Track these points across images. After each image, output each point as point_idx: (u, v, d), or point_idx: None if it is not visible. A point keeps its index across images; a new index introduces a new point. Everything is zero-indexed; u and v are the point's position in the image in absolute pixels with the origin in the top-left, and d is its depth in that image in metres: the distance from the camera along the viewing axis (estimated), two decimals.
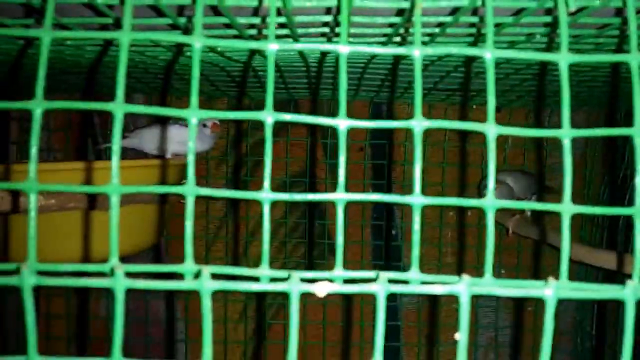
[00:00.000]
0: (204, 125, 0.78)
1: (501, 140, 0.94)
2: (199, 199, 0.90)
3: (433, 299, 0.96)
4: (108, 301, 0.94)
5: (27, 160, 0.86)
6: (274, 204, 0.95)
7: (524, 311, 0.96)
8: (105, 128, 0.90)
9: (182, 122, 0.76)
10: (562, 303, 0.96)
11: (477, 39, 0.41)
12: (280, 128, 0.94)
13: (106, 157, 0.88)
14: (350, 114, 0.94)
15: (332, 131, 0.94)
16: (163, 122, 0.77)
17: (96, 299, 0.94)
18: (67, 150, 0.92)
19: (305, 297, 0.94)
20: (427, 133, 0.94)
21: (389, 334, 0.96)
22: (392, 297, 0.96)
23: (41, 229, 0.54)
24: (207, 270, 0.21)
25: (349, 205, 0.95)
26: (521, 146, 0.95)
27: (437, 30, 0.36)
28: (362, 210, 0.96)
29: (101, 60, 0.55)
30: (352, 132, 0.94)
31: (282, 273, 0.22)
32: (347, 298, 0.95)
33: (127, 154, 0.84)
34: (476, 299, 0.97)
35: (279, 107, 0.92)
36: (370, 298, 0.95)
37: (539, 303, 0.95)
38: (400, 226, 0.96)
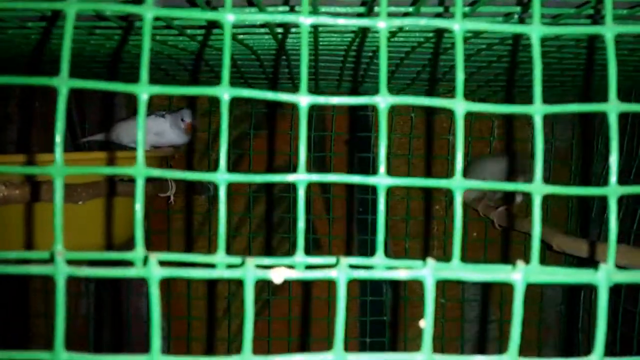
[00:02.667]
0: (182, 120, 0.76)
1: (486, 132, 0.94)
2: (180, 193, 0.88)
3: (421, 293, 0.96)
4: (88, 300, 0.92)
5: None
6: (258, 199, 0.93)
7: (510, 305, 0.96)
8: (84, 122, 0.88)
9: (158, 113, 0.74)
10: (547, 296, 0.96)
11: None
12: (263, 120, 0.93)
13: (86, 150, 0.86)
14: (332, 106, 0.93)
15: (317, 124, 0.93)
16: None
17: (76, 298, 0.92)
18: (47, 144, 0.90)
19: (291, 290, 0.93)
20: (412, 125, 0.93)
21: (375, 329, 0.95)
22: (378, 292, 0.95)
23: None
24: (155, 256, 0.19)
25: (334, 199, 0.94)
26: (506, 138, 0.94)
27: (410, 9, 0.35)
28: (347, 204, 0.95)
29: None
30: (337, 124, 0.93)
31: (237, 259, 0.21)
32: (330, 293, 0.93)
33: (110, 148, 0.82)
34: (462, 294, 0.96)
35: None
36: (353, 291, 0.94)
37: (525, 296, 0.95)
38: (386, 220, 0.95)
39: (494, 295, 0.96)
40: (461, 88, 0.22)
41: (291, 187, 0.93)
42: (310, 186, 0.85)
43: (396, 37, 0.47)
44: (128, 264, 0.21)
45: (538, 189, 0.22)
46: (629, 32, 0.23)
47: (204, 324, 0.93)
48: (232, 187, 0.92)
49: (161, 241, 0.92)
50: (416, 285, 0.95)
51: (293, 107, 0.91)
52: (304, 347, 0.94)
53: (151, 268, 0.19)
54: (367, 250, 0.94)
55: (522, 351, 0.20)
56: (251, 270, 0.20)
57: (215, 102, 0.91)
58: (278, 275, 0.20)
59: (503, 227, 0.80)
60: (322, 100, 0.22)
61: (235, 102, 0.91)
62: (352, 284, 0.95)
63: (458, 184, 0.22)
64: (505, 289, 0.95)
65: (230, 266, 0.21)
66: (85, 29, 0.43)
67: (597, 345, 0.21)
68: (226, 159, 0.22)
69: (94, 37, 0.46)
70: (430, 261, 0.21)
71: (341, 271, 0.20)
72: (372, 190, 0.95)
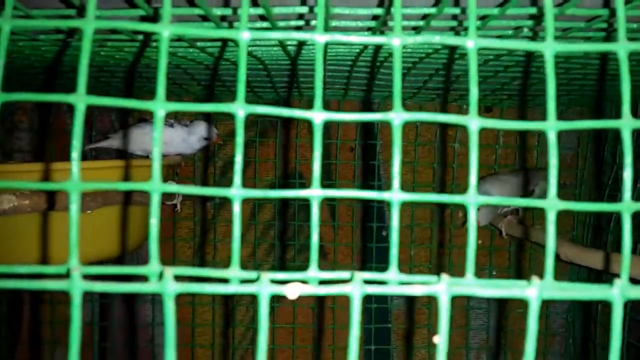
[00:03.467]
0: (206, 139, 0.78)
1: (492, 140, 0.94)
2: (187, 202, 0.88)
3: (425, 300, 0.95)
4: (93, 306, 0.92)
5: (7, 161, 0.84)
6: (263, 206, 0.93)
7: (515, 313, 0.95)
8: (91, 130, 0.89)
9: (166, 122, 0.74)
10: (553, 305, 0.95)
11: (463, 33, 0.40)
12: (269, 129, 0.93)
13: (91, 158, 0.86)
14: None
15: (323, 132, 0.93)
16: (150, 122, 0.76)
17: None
18: (61, 153, 0.90)
19: (295, 301, 0.93)
20: (417, 133, 0.93)
21: (379, 337, 0.95)
22: (383, 299, 0.95)
23: (7, 231, 0.53)
24: (170, 271, 0.20)
25: (339, 207, 0.94)
26: (512, 147, 0.94)
27: (421, 23, 0.35)
28: (352, 212, 0.95)
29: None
30: (342, 132, 0.93)
31: (252, 274, 0.21)
32: (335, 302, 0.93)
33: (114, 155, 0.82)
34: (467, 301, 0.96)
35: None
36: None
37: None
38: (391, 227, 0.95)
39: (500, 304, 0.96)
40: (475, 105, 0.22)
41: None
42: None
43: (406, 48, 0.47)
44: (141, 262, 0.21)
45: (552, 204, 0.22)
46: None
47: (208, 330, 0.93)
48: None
49: (167, 248, 0.92)
50: None
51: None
52: (308, 355, 0.94)
53: (167, 283, 0.19)
54: (372, 257, 0.93)
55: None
56: (266, 286, 0.20)
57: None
58: (293, 291, 0.20)
59: (510, 235, 0.79)
60: (336, 116, 0.22)
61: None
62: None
63: (473, 201, 0.22)
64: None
65: (244, 281, 0.21)
66: (97, 42, 0.44)
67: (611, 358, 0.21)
68: (241, 174, 0.22)
69: (105, 48, 0.46)
70: (445, 277, 0.21)
71: (356, 287, 0.20)
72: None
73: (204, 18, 0.32)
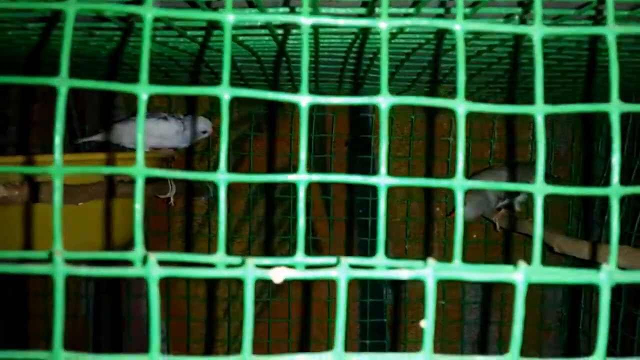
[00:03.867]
0: (204, 132, 0.78)
1: (487, 133, 0.94)
2: (180, 195, 0.88)
3: (420, 295, 0.95)
4: (88, 301, 0.92)
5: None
6: (257, 201, 0.93)
7: (511, 307, 0.95)
8: (84, 124, 0.88)
9: (159, 114, 0.74)
10: (547, 298, 0.95)
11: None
12: (263, 122, 0.93)
13: (86, 151, 0.86)
14: (333, 107, 0.93)
15: (317, 124, 0.93)
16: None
17: (76, 299, 0.92)
18: (46, 145, 0.90)
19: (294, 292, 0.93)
20: (410, 126, 0.93)
21: (375, 330, 0.95)
22: (378, 293, 0.95)
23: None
24: (154, 256, 0.19)
25: (334, 201, 0.94)
26: (507, 141, 0.94)
27: (411, 10, 0.34)
28: (347, 206, 0.95)
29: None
30: (337, 126, 0.93)
31: (237, 259, 0.21)
32: (330, 295, 0.93)
33: (110, 149, 0.82)
34: (462, 296, 0.96)
35: (259, 100, 0.91)
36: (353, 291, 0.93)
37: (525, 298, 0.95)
38: (387, 221, 0.95)
39: (495, 298, 0.96)
40: (462, 89, 0.22)
41: (291, 189, 0.93)
42: (310, 188, 0.84)
43: (397, 39, 0.47)
44: (128, 263, 0.21)
45: (540, 189, 0.22)
46: (630, 33, 0.23)
47: (203, 325, 0.93)
48: (232, 189, 0.92)
49: (161, 242, 0.91)
50: (416, 287, 0.95)
51: (293, 109, 0.91)
52: (303, 349, 0.94)
53: (150, 268, 0.19)
54: (367, 252, 0.93)
55: (522, 352, 0.20)
56: (251, 270, 0.20)
57: (216, 104, 0.91)
58: (278, 275, 0.20)
59: (504, 229, 0.79)
60: (322, 100, 0.22)
61: (235, 103, 0.91)
62: (352, 285, 0.95)
63: (460, 184, 0.22)
64: (505, 292, 0.94)
65: (230, 266, 0.21)
66: (85, 30, 0.43)
67: (599, 345, 0.21)
68: (226, 159, 0.22)
69: (94, 38, 0.46)
70: (431, 261, 0.21)
71: (342, 271, 0.20)
72: (373, 191, 0.95)
73: (192, 4, 0.32)
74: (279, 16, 0.23)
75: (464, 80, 0.22)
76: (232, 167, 0.92)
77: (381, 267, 0.22)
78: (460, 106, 0.22)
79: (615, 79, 0.22)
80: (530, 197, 0.83)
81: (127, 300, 0.92)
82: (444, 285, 0.95)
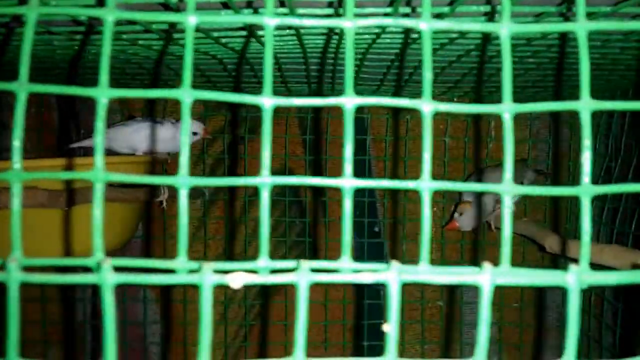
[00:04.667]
0: (194, 134, 0.78)
1: (484, 133, 0.93)
2: (175, 198, 0.88)
3: (419, 295, 0.95)
4: (84, 305, 0.92)
5: None
6: (251, 203, 0.93)
7: (510, 308, 0.95)
8: (78, 129, 0.88)
9: (155, 120, 0.74)
10: (547, 298, 0.95)
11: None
12: (258, 125, 0.93)
13: (81, 156, 0.86)
14: (328, 109, 0.91)
15: (313, 125, 0.93)
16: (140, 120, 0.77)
17: (72, 304, 0.92)
18: (40, 151, 0.90)
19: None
20: (406, 126, 0.93)
21: (372, 333, 0.95)
22: (375, 295, 0.95)
23: None
24: (109, 262, 0.19)
25: (331, 203, 0.93)
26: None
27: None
28: (341, 207, 0.94)
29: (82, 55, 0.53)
30: (334, 129, 0.92)
31: (195, 265, 0.21)
32: (327, 297, 0.93)
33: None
34: (461, 297, 0.95)
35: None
36: (344, 294, 0.93)
37: (523, 299, 0.94)
38: (383, 223, 0.95)
39: (494, 298, 0.95)
40: (429, 87, 0.22)
41: (287, 191, 0.93)
42: (305, 189, 0.84)
43: (379, 40, 0.46)
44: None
45: (507, 189, 0.21)
46: (600, 29, 0.22)
47: (219, 329, 0.93)
48: (228, 192, 0.92)
49: (158, 247, 0.91)
50: (412, 288, 0.94)
51: (288, 111, 0.91)
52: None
53: (105, 274, 0.19)
54: (364, 253, 0.93)
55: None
56: (208, 276, 0.19)
57: (210, 107, 0.91)
58: (236, 281, 0.19)
59: (499, 229, 0.79)
60: (284, 102, 0.22)
61: (226, 106, 0.91)
62: (347, 287, 0.94)
63: (426, 186, 0.21)
64: (504, 292, 0.93)
65: (191, 271, 0.21)
66: (65, 35, 0.43)
67: (567, 347, 0.20)
68: (188, 162, 0.22)
69: (65, 42, 0.46)
70: (395, 264, 0.20)
71: (301, 275, 0.20)
72: (370, 193, 0.94)
73: (165, 6, 0.32)
74: (244, 17, 0.22)
75: (430, 80, 0.22)
76: (228, 170, 0.92)
77: (346, 270, 0.22)
78: (426, 106, 0.22)
79: (586, 76, 0.22)
80: (524, 197, 0.82)
81: (123, 303, 0.92)
82: (442, 287, 0.94)
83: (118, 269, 0.19)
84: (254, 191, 0.93)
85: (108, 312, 0.19)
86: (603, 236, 0.83)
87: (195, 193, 0.87)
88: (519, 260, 0.90)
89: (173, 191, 0.77)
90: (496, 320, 0.95)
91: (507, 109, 0.22)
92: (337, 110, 0.92)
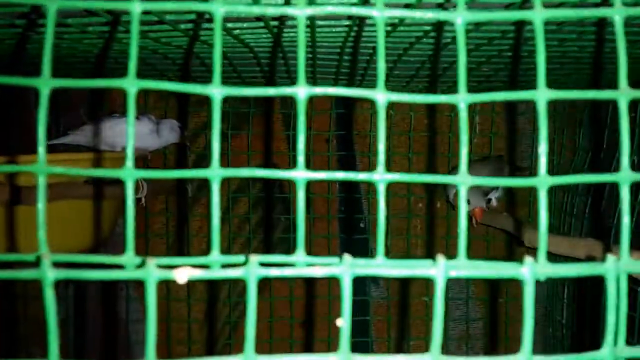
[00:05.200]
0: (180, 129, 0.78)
1: (487, 128, 0.92)
2: (160, 196, 0.87)
3: (403, 293, 0.95)
4: (67, 303, 0.91)
5: None
6: (238, 200, 0.92)
7: (496, 303, 0.95)
8: (58, 125, 0.87)
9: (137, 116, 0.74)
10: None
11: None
12: (242, 121, 0.92)
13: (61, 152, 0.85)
14: (313, 107, 0.91)
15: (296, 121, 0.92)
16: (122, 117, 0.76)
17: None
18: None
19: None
20: (410, 122, 0.92)
21: (359, 329, 0.94)
22: (362, 291, 0.94)
23: None
24: (48, 258, 0.18)
25: (315, 198, 0.93)
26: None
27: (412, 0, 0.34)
28: (328, 203, 0.94)
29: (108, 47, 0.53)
30: (317, 123, 0.92)
31: (138, 260, 0.20)
32: (331, 293, 0.93)
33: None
34: (447, 292, 0.95)
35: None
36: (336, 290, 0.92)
37: (509, 294, 0.94)
38: (368, 218, 0.94)
39: (479, 294, 0.95)
40: (382, 78, 0.21)
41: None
42: (289, 185, 0.83)
43: (395, 32, 0.46)
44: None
45: (462, 180, 0.21)
46: (557, 17, 0.22)
47: (204, 327, 0.92)
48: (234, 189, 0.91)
49: (139, 244, 0.91)
50: (405, 284, 0.94)
51: (289, 106, 0.91)
52: (306, 349, 0.92)
53: (45, 269, 0.18)
54: (351, 248, 0.92)
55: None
56: (152, 271, 0.19)
57: (193, 102, 0.90)
58: (181, 275, 0.19)
59: (481, 224, 0.78)
60: (235, 92, 0.21)
61: (230, 101, 0.90)
62: (334, 283, 0.94)
63: (380, 178, 0.21)
64: (489, 288, 0.93)
65: (137, 267, 0.21)
66: (78, 27, 0.43)
67: (524, 341, 0.20)
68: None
69: (87, 35, 0.45)
70: (347, 258, 0.20)
71: (249, 270, 0.19)
72: (355, 188, 0.94)
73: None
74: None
75: (384, 69, 0.21)
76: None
77: (301, 264, 0.21)
78: (380, 96, 0.21)
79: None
80: (504, 191, 0.82)
81: (112, 302, 0.91)
82: (427, 282, 0.94)
83: (63, 265, 0.19)
84: (237, 188, 0.92)
85: (49, 306, 0.18)
86: (586, 229, 0.83)
87: (183, 190, 0.87)
88: (482, 254, 0.90)
89: (156, 187, 0.76)
90: (482, 315, 0.95)
91: (462, 99, 0.21)
92: (323, 105, 0.92)
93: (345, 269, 0.20)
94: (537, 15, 0.21)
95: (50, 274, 0.18)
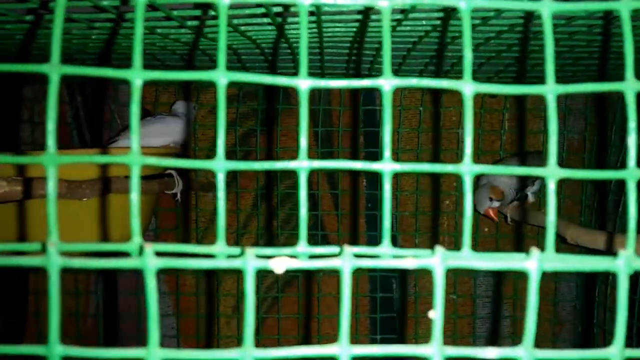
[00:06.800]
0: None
1: (497, 125, 0.92)
2: (188, 191, 0.88)
3: (430, 288, 0.94)
4: (98, 298, 0.92)
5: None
6: (262, 195, 0.93)
7: (522, 301, 0.94)
8: (102, 123, 0.88)
9: (162, 114, 0.76)
10: (561, 292, 0.94)
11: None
12: (269, 118, 0.92)
13: None
14: (339, 102, 0.91)
15: (324, 118, 0.92)
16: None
17: (85, 296, 0.92)
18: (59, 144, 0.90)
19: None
20: (412, 116, 0.92)
21: (385, 325, 0.94)
22: (388, 288, 0.94)
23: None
24: (151, 247, 0.19)
25: (343, 195, 0.93)
26: (517, 131, 0.92)
27: None
28: (356, 200, 0.94)
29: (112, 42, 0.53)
30: (345, 120, 0.92)
31: (236, 250, 0.20)
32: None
33: None
34: (474, 290, 0.95)
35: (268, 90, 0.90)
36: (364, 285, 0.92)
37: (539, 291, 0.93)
38: (396, 215, 0.94)
39: (507, 292, 0.95)
40: (469, 69, 0.21)
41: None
42: (318, 182, 0.83)
43: (402, 26, 0.46)
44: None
45: (552, 172, 0.21)
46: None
47: (213, 321, 0.93)
48: (240, 184, 0.92)
49: (171, 240, 0.91)
50: (425, 281, 0.94)
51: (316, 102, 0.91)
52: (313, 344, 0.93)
53: (147, 258, 0.19)
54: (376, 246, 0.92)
55: (536, 345, 0.19)
56: (251, 260, 0.19)
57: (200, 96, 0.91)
58: (279, 265, 0.19)
59: (516, 221, 0.78)
60: (322, 83, 0.21)
61: (240, 99, 0.91)
62: (361, 280, 0.94)
63: (468, 169, 0.21)
64: (518, 286, 0.93)
65: (230, 257, 0.21)
66: (85, 22, 0.43)
67: (617, 334, 0.20)
68: (224, 146, 0.21)
69: (95, 30, 0.45)
70: (440, 249, 0.20)
71: (345, 260, 0.19)
72: (381, 185, 0.93)
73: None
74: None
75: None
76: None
77: (387, 256, 0.21)
78: (467, 87, 0.21)
79: (631, 57, 0.21)
80: (543, 187, 0.81)
81: (137, 296, 0.92)
82: (455, 279, 0.94)
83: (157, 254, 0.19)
84: (266, 184, 0.92)
85: (151, 296, 0.18)
86: (620, 227, 0.82)
87: (207, 186, 0.87)
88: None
89: (186, 185, 0.77)
90: (509, 314, 0.95)
91: (551, 90, 0.21)
92: (349, 102, 0.92)
93: (438, 260, 0.20)
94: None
95: (152, 263, 0.18)
